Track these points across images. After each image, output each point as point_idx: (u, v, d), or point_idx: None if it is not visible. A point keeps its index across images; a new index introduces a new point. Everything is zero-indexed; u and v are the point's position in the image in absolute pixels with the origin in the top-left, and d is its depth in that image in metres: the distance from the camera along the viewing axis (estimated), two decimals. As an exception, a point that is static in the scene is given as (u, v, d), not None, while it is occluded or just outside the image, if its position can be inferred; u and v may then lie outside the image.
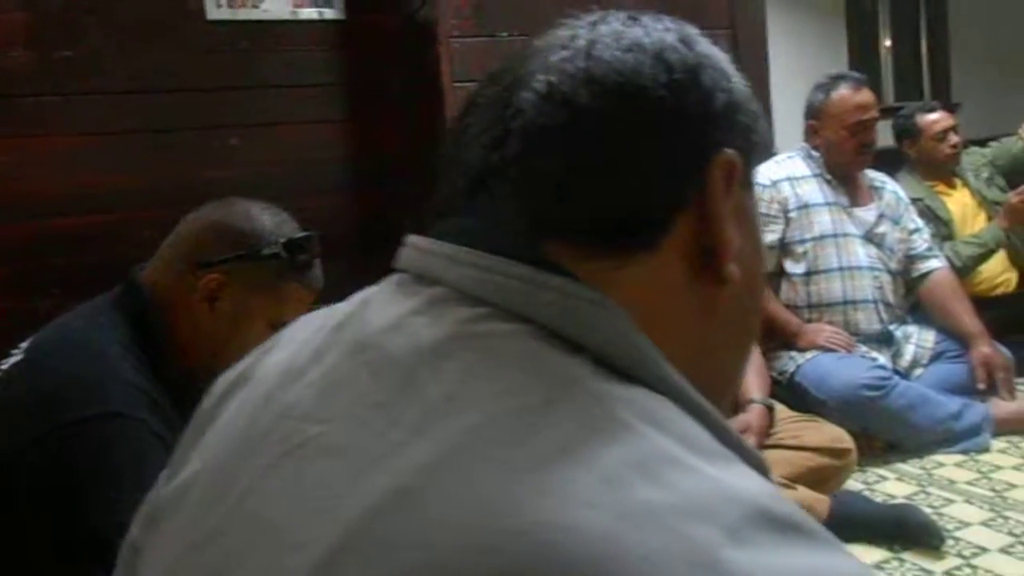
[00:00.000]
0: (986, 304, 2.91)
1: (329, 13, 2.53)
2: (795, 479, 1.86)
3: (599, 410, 0.34)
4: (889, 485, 2.06)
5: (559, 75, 0.43)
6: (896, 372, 2.44)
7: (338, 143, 2.50)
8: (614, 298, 0.40)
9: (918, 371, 2.48)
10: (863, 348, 2.43)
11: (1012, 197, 2.75)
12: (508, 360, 0.37)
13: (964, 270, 2.76)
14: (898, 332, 2.53)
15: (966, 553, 1.66)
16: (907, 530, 1.71)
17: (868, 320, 2.47)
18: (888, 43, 6.46)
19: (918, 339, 2.52)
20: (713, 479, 0.32)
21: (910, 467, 2.16)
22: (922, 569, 1.62)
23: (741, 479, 0.34)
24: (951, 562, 1.63)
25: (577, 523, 0.30)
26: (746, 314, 0.48)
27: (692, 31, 0.48)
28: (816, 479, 1.90)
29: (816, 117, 2.54)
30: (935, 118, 2.99)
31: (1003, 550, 1.66)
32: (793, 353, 2.43)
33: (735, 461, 0.35)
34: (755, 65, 2.92)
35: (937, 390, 2.35)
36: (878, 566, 1.65)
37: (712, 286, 0.44)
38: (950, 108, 4.66)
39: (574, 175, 0.42)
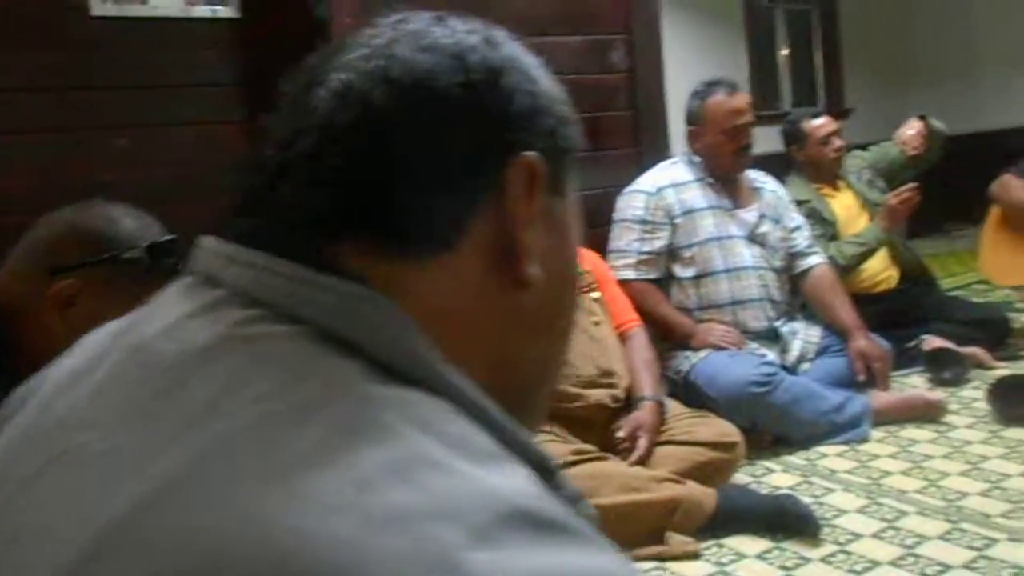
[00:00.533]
0: (870, 300, 3.06)
1: (223, 11, 2.47)
2: (685, 473, 1.92)
3: (362, 413, 0.34)
4: (776, 477, 2.13)
5: (355, 73, 0.43)
6: (784, 367, 2.53)
7: (235, 144, 2.44)
8: (409, 299, 0.40)
9: (805, 365, 2.59)
10: (753, 345, 2.51)
11: (891, 199, 2.91)
12: (275, 363, 0.36)
13: (848, 268, 2.90)
14: (785, 328, 2.63)
15: (841, 540, 1.74)
16: (787, 520, 1.78)
17: (756, 318, 2.56)
18: (785, 52, 6.73)
19: (804, 334, 2.63)
20: (470, 480, 0.32)
21: (796, 459, 2.24)
22: (800, 557, 1.69)
23: (504, 479, 0.34)
24: (827, 549, 1.70)
25: (321, 529, 0.29)
26: (554, 318, 0.49)
27: (499, 34, 0.49)
28: (706, 473, 1.97)
29: (695, 123, 2.62)
30: (820, 123, 3.13)
31: (875, 535, 1.74)
32: (688, 353, 2.49)
33: (506, 461, 0.35)
34: (651, 70, 3.00)
35: (823, 383, 2.45)
36: (760, 556, 1.71)
37: (515, 288, 0.44)
38: (838, 113, 4.91)
39: (364, 174, 0.41)
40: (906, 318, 3.04)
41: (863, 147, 3.36)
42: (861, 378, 2.49)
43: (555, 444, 1.86)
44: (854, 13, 6.76)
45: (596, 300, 2.19)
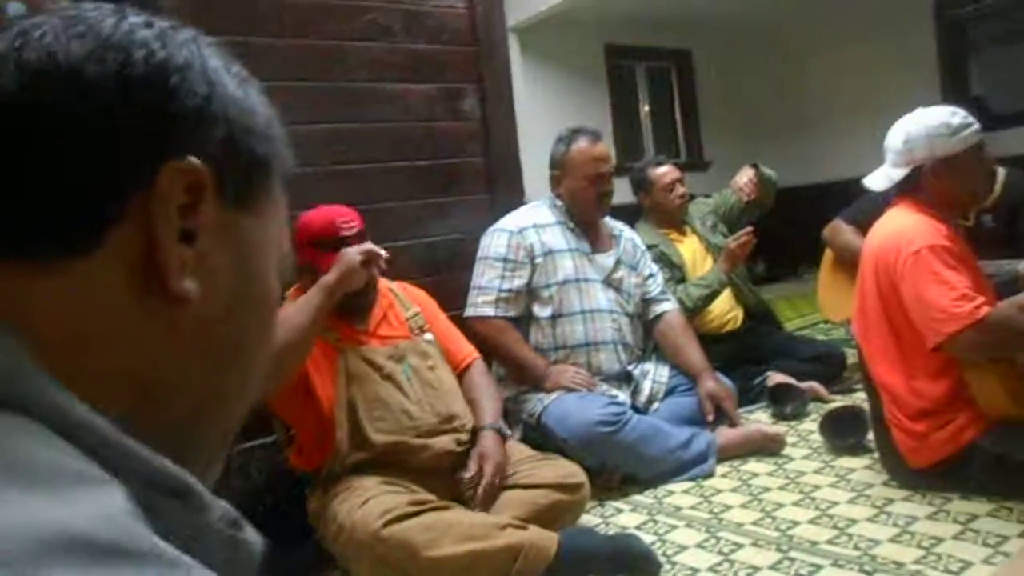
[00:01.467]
0: (717, 340, 3.18)
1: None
2: (531, 517, 1.89)
3: None
4: (623, 517, 2.14)
5: None
6: (635, 408, 2.58)
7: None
8: (27, 309, 0.37)
9: (655, 405, 2.64)
10: (604, 387, 2.54)
11: (730, 243, 3.05)
12: None
13: (695, 310, 3.01)
14: (636, 370, 2.68)
15: (680, 575, 1.74)
16: (628, 560, 1.77)
17: (609, 360, 2.60)
18: (647, 108, 7.06)
19: (654, 376, 2.69)
20: (14, 510, 0.29)
21: (644, 497, 2.26)
22: (639, 596, 1.68)
23: (68, 506, 0.30)
24: (666, 586, 1.70)
25: None
26: (234, 346, 0.45)
27: (189, 35, 0.45)
28: (551, 516, 1.94)
29: (558, 168, 2.68)
30: (664, 171, 3.27)
31: (711, 568, 1.76)
32: (540, 395, 2.49)
33: (96, 485, 0.32)
34: (503, 118, 3.05)
35: (671, 422, 2.51)
36: (600, 597, 1.69)
37: (169, 306, 0.41)
38: (698, 166, 5.13)
39: None
40: (751, 356, 3.18)
41: (708, 195, 3.53)
42: (710, 418, 2.56)
43: (391, 496, 1.79)
44: (708, 74, 7.20)
45: (429, 342, 2.15)
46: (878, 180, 2.10)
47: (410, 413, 2.00)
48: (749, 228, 3.07)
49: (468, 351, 2.33)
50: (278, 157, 0.49)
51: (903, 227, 2.00)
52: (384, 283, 2.25)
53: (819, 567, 1.70)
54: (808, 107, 6.93)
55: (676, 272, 3.14)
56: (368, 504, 1.77)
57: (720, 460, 2.45)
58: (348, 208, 2.05)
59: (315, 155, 2.63)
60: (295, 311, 1.83)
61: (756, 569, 1.73)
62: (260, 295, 0.48)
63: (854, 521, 1.92)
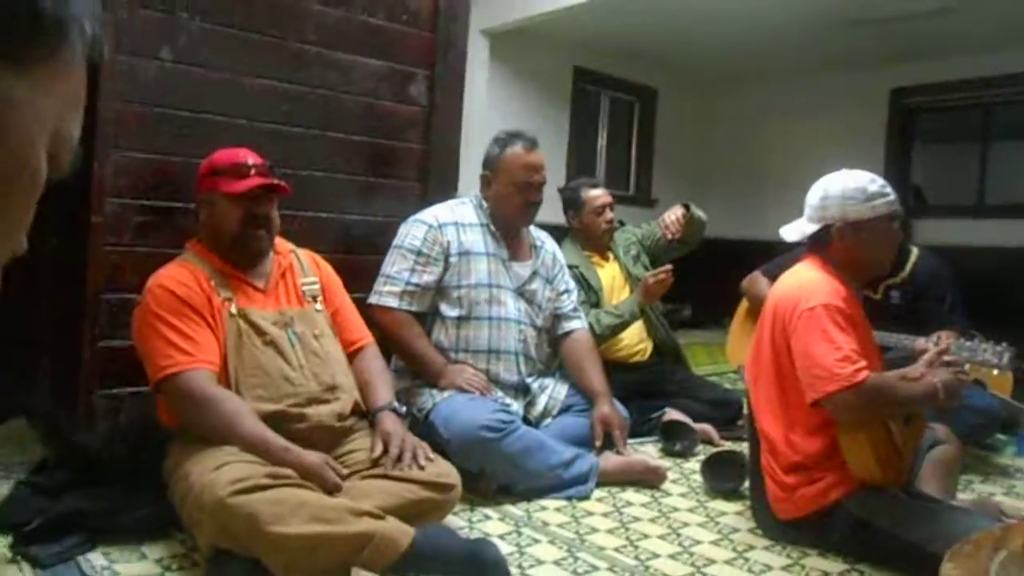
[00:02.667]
0: (625, 368, 3.20)
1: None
2: (393, 510, 1.82)
3: None
4: (490, 524, 2.10)
5: None
6: (527, 420, 2.55)
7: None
8: None
9: (547, 421, 2.62)
10: (499, 394, 2.51)
11: (648, 278, 3.06)
12: None
13: (602, 338, 3.01)
14: (535, 384, 2.66)
15: (528, 588, 1.71)
16: (479, 565, 1.73)
17: (508, 370, 2.57)
18: (604, 140, 7.12)
19: (552, 391, 2.67)
20: None
21: (516, 509, 2.23)
22: (482, 602, 1.64)
23: None
24: (511, 596, 1.67)
25: None
26: None
27: None
28: (417, 511, 1.88)
29: (490, 169, 2.65)
30: (596, 194, 3.28)
31: (561, 587, 1.73)
32: (434, 391, 2.45)
33: None
34: (450, 110, 3.02)
35: (560, 440, 2.48)
36: (443, 599, 1.64)
37: None
38: (628, 198, 5.15)
39: None
40: (653, 390, 3.20)
41: (637, 225, 3.55)
42: (598, 443, 2.54)
43: (248, 465, 1.71)
44: (670, 114, 7.31)
45: (319, 312, 2.10)
46: (792, 232, 2.14)
47: (292, 380, 1.94)
48: (669, 267, 3.09)
49: (364, 333, 2.29)
50: (76, 22, 0.44)
51: (804, 282, 2.03)
52: (288, 246, 2.19)
53: (666, 600, 1.69)
54: (759, 165, 7.10)
55: (592, 296, 3.15)
56: (221, 469, 1.69)
57: (599, 485, 2.44)
58: (250, 151, 2.06)
59: (254, 110, 2.55)
60: (251, 424, 1.79)
61: (605, 593, 1.71)
62: (8, 163, 0.42)
63: (712, 561, 1.92)
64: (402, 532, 1.76)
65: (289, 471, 1.76)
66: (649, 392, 3.18)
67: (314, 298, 2.11)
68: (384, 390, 2.11)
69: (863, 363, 1.87)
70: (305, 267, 2.17)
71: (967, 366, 2.34)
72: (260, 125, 2.56)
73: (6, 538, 1.75)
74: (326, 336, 2.06)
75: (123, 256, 2.34)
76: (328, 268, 2.27)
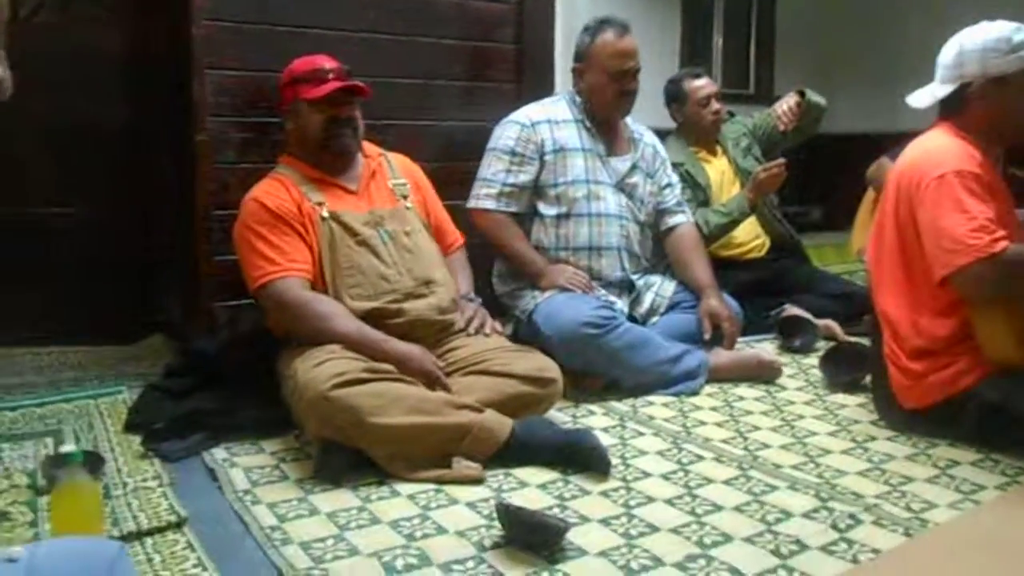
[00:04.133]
0: (740, 266, 3.05)
1: None
2: (494, 404, 1.84)
3: None
4: (594, 419, 2.08)
5: None
6: (632, 318, 2.49)
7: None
8: None
9: (655, 319, 2.54)
10: (602, 292, 2.45)
11: (759, 172, 2.86)
12: None
13: (711, 237, 2.86)
14: (640, 281, 2.57)
15: (629, 477, 1.68)
16: (578, 452, 1.72)
17: (611, 266, 2.50)
18: (720, 41, 6.69)
19: (659, 289, 2.57)
20: None
21: (621, 405, 2.19)
22: (581, 489, 1.63)
23: None
24: (611, 484, 1.65)
25: None
26: None
27: None
28: (518, 405, 1.89)
29: (581, 60, 2.53)
30: (700, 84, 3.08)
31: (664, 476, 1.69)
32: (535, 293, 2.42)
33: None
34: (542, 5, 2.90)
35: (668, 337, 2.41)
36: (542, 485, 1.64)
37: None
38: (749, 97, 4.79)
39: None
40: (772, 287, 3.04)
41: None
42: (707, 336, 2.44)
43: (348, 361, 1.75)
44: (790, 4, 6.76)
45: (409, 209, 2.10)
46: (922, 98, 1.92)
47: (387, 277, 1.96)
48: (782, 160, 2.88)
49: (456, 235, 2.31)
50: None
51: (933, 149, 1.83)
52: (377, 149, 2.20)
53: (774, 488, 1.62)
54: (892, 47, 6.45)
55: (700, 193, 2.99)
56: (323, 365, 1.74)
57: (711, 381, 2.35)
58: (330, 57, 2.09)
59: (342, 20, 2.54)
60: (345, 322, 1.86)
61: (709, 481, 1.65)
62: None
63: (827, 452, 1.82)
64: (501, 423, 1.77)
65: (388, 366, 1.80)
66: (768, 289, 3.02)
67: (404, 197, 2.12)
68: (464, 283, 2.21)
69: (1001, 233, 1.67)
70: (394, 168, 2.18)
71: None
72: (349, 34, 2.55)
73: (138, 437, 1.88)
74: (418, 232, 2.07)
75: (228, 172, 2.42)
76: (418, 170, 2.27)
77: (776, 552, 1.35)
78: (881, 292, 1.95)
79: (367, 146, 2.17)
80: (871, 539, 1.39)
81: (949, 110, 1.86)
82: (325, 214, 1.98)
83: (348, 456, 1.70)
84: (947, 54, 1.86)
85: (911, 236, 1.84)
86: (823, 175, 6.37)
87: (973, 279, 1.69)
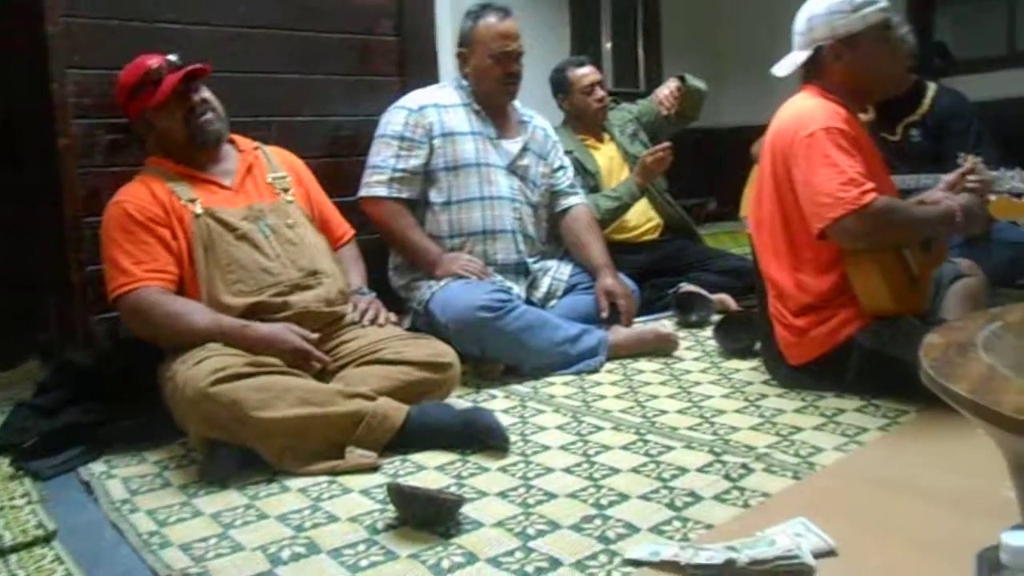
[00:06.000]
0: (636, 248, 3.10)
1: None
2: (390, 392, 1.79)
3: None
4: (495, 403, 2.05)
5: None
6: (531, 303, 2.48)
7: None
8: None
9: (553, 303, 2.54)
10: (498, 277, 2.43)
11: (645, 156, 2.93)
12: None
13: (603, 222, 2.89)
14: (536, 265, 2.57)
15: (528, 452, 1.66)
16: (475, 431, 1.69)
17: (506, 250, 2.49)
18: (608, 45, 6.83)
19: (555, 272, 2.58)
20: None
21: (522, 387, 2.17)
22: (479, 467, 1.60)
23: None
24: (510, 460, 1.62)
25: None
26: None
27: None
28: (415, 392, 1.85)
29: (465, 45, 2.52)
30: (584, 72, 3.12)
31: (563, 447, 1.68)
32: (431, 282, 2.38)
33: None
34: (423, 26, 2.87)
35: (568, 319, 2.41)
36: (440, 467, 1.60)
37: None
38: (639, 94, 4.93)
39: None
40: (667, 267, 3.10)
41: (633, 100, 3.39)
42: (604, 315, 2.46)
43: (229, 357, 1.67)
44: (674, 5, 6.97)
45: (291, 203, 2.03)
46: (784, 66, 1.99)
47: (270, 270, 1.89)
48: (667, 144, 2.96)
49: (346, 228, 2.27)
50: None
51: (802, 110, 1.89)
52: (251, 143, 2.13)
53: (671, 448, 1.63)
54: (776, 44, 6.73)
55: (590, 180, 3.02)
56: (203, 362, 1.66)
57: (612, 358, 2.37)
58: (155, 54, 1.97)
59: (207, 13, 2.44)
60: (201, 317, 1.79)
61: (607, 448, 1.65)
62: None
63: (721, 412, 1.85)
64: (395, 409, 1.72)
65: (273, 359, 1.73)
66: (663, 269, 3.08)
67: (285, 190, 2.05)
68: (356, 278, 2.16)
69: (870, 185, 1.74)
70: (273, 162, 2.11)
71: (993, 197, 2.19)
72: (221, 29, 2.45)
73: (7, 458, 1.74)
74: (301, 225, 2.01)
75: (97, 178, 2.28)
76: (299, 163, 2.21)
77: (671, 505, 1.35)
78: (764, 255, 2.01)
79: (241, 140, 2.10)
80: (762, 485, 1.41)
81: (811, 74, 1.94)
82: (199, 211, 1.89)
83: (234, 455, 1.62)
84: (799, 22, 1.94)
85: (789, 196, 1.89)
86: (716, 167, 6.56)
87: (846, 231, 1.75)
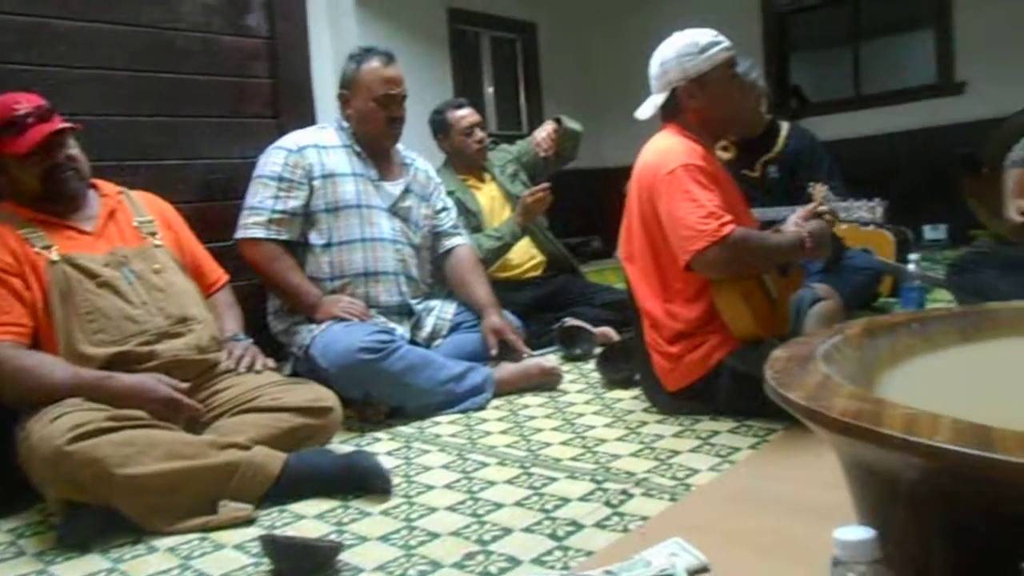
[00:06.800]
0: (520, 286, 3.14)
1: None
2: (267, 440, 1.73)
3: None
4: (380, 445, 2.01)
5: None
6: (415, 343, 2.46)
7: None
8: None
9: (438, 342, 2.53)
10: (382, 319, 2.41)
11: (526, 196, 3.00)
12: None
13: (487, 261, 2.93)
14: (420, 306, 2.57)
15: (412, 493, 1.63)
16: (356, 475, 1.65)
17: (389, 292, 2.47)
18: (490, 90, 6.99)
19: (439, 312, 2.58)
20: None
21: (407, 428, 2.15)
22: (361, 511, 1.56)
23: None
24: (393, 502, 1.59)
25: None
26: None
27: None
28: (295, 439, 1.80)
29: (348, 87, 2.52)
30: (462, 114, 3.18)
31: (447, 486, 1.67)
32: (312, 326, 2.33)
33: None
34: (294, 39, 2.86)
35: (453, 357, 2.41)
36: (320, 515, 1.55)
37: None
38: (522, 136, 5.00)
39: None
40: (552, 303, 3.15)
41: (511, 140, 3.47)
42: (493, 352, 2.47)
43: (88, 412, 1.57)
44: (553, 51, 7.21)
45: (158, 247, 1.95)
46: (645, 109, 2.09)
47: (135, 318, 1.80)
48: (546, 184, 3.05)
49: (219, 273, 2.20)
50: None
51: (663, 148, 1.99)
52: (115, 187, 2.04)
53: (554, 479, 1.64)
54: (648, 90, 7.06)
55: (472, 220, 3.06)
56: (60, 419, 1.55)
57: (499, 395, 2.38)
58: (26, 93, 1.86)
59: (65, 55, 2.33)
60: (60, 369, 1.68)
61: (492, 484, 1.65)
62: None
63: (603, 440, 1.88)
64: (271, 458, 1.66)
65: (137, 412, 1.64)
66: (547, 305, 3.13)
67: (152, 234, 1.97)
68: (231, 324, 2.09)
69: (728, 217, 1.84)
70: (138, 206, 2.03)
71: (843, 225, 2.36)
72: (79, 71, 2.35)
73: None
74: (169, 270, 1.93)
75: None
76: (167, 207, 2.13)
77: (553, 536, 1.36)
78: (638, 287, 2.08)
79: (104, 185, 2.01)
80: (641, 509, 1.44)
81: (669, 114, 2.05)
82: (55, 258, 1.78)
83: (97, 517, 1.52)
84: (653, 67, 2.05)
85: (656, 230, 1.97)
86: (599, 207, 6.77)
87: (708, 262, 1.83)
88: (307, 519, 1.54)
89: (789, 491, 1.43)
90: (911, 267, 2.96)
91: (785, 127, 2.99)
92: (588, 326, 2.94)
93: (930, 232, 5.33)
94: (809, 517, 1.29)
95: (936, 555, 0.69)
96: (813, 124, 5.71)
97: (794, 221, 2.05)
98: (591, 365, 2.66)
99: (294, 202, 2.39)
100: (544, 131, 3.30)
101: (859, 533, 0.68)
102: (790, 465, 1.60)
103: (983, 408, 0.73)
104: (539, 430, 2.02)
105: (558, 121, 3.31)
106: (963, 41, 5.39)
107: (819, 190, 2.42)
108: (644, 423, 2.00)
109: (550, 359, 2.68)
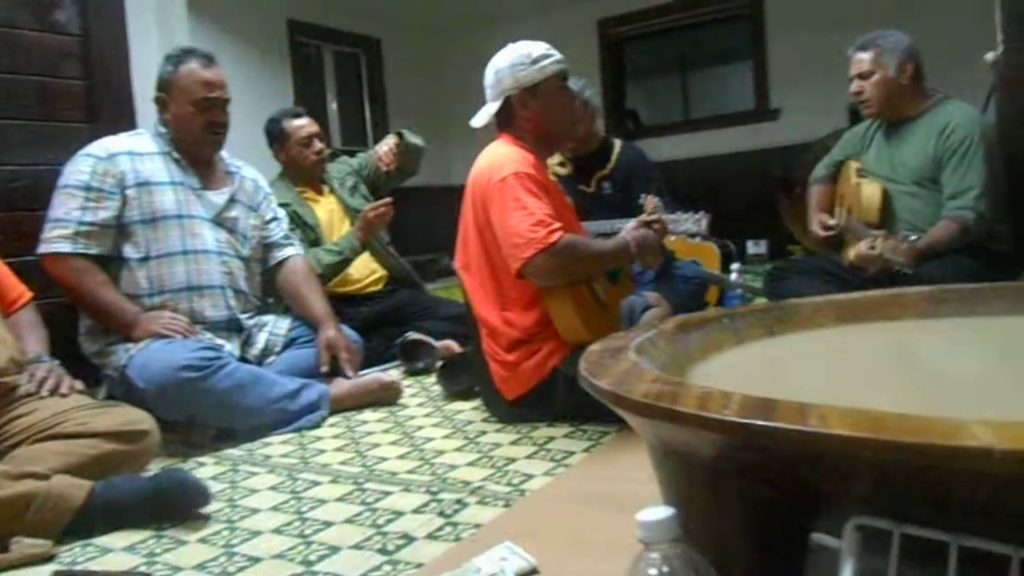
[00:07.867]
0: (361, 301, 3.07)
1: None
2: (72, 469, 1.58)
3: None
4: (205, 470, 1.88)
5: None
6: (246, 361, 2.34)
7: None
8: None
9: (272, 359, 2.42)
10: (207, 336, 2.27)
11: (367, 210, 2.94)
12: None
13: (325, 276, 2.85)
14: (251, 321, 2.44)
15: (235, 518, 1.53)
16: (170, 497, 1.53)
17: (215, 306, 2.33)
18: (334, 105, 6.85)
19: (272, 327, 2.46)
20: None
21: (236, 451, 2.03)
22: (177, 540, 1.44)
23: None
24: (212, 528, 1.49)
25: None
26: None
27: None
28: (104, 467, 1.65)
29: (164, 90, 2.36)
30: (300, 123, 3.09)
31: (274, 507, 1.58)
32: (128, 345, 2.16)
33: None
34: (111, 38, 2.68)
35: (288, 375, 2.30)
36: (130, 547, 1.42)
37: None
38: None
39: None
40: (395, 317, 3.10)
41: (351, 153, 3.41)
42: (324, 369, 2.39)
43: None
44: (398, 67, 7.18)
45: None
46: (479, 118, 2.11)
47: None
48: (388, 199, 3.00)
49: (21, 290, 2.00)
50: None
51: (495, 157, 2.01)
52: None
53: (388, 493, 1.59)
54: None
55: (310, 233, 2.97)
56: None
57: (335, 412, 2.30)
58: None
59: None
60: None
61: (322, 503, 1.58)
62: None
63: (442, 452, 1.86)
64: (75, 487, 1.52)
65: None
66: (390, 320, 3.08)
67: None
68: (33, 344, 1.92)
69: (557, 225, 1.88)
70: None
71: (673, 238, 2.47)
72: None
73: None
74: None
75: None
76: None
77: (383, 551, 1.31)
78: (475, 296, 2.08)
79: None
80: (475, 517, 1.42)
81: (503, 123, 2.07)
82: None
83: None
84: (488, 76, 2.08)
85: (490, 238, 1.98)
86: (446, 224, 6.77)
87: (539, 268, 1.86)
88: (114, 552, 1.41)
89: (617, 489, 1.46)
90: (734, 276, 3.15)
91: (618, 145, 3.11)
92: (430, 340, 2.91)
93: (752, 247, 5.72)
94: (635, 512, 1.32)
95: (734, 529, 0.72)
96: (647, 145, 5.97)
97: (626, 230, 2.12)
98: (433, 379, 2.63)
99: (104, 213, 2.21)
100: (386, 145, 3.26)
101: (658, 513, 0.69)
102: (621, 464, 1.63)
103: (781, 393, 0.76)
104: (376, 445, 1.97)
105: (400, 135, 3.28)
106: (776, 71, 5.85)
107: (650, 201, 2.52)
108: (483, 432, 1.99)
109: (391, 374, 2.63)
